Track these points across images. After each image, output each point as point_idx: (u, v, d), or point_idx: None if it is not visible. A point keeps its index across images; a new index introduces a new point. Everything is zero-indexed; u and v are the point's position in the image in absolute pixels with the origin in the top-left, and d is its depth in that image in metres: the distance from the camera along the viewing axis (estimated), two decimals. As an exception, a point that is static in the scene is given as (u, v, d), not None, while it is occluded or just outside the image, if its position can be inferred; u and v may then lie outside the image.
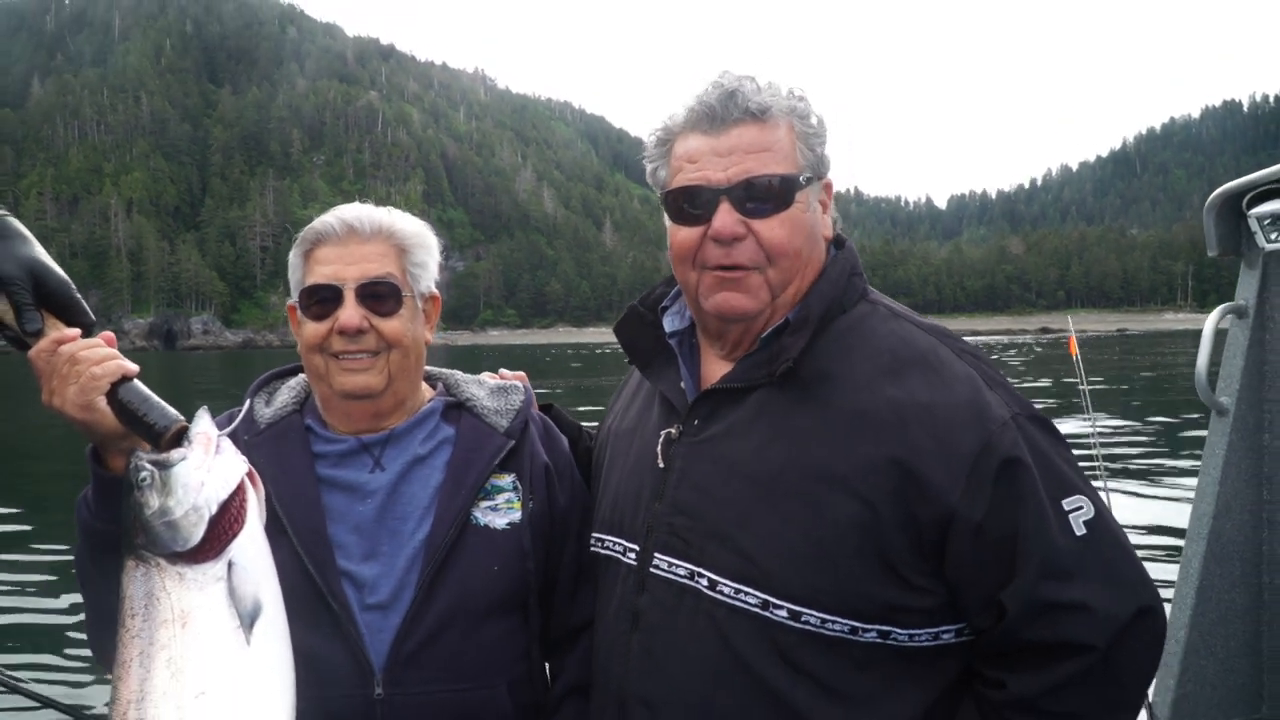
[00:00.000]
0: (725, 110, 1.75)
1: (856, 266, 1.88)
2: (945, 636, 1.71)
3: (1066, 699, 1.65)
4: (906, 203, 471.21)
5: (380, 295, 1.96)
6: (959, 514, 1.62)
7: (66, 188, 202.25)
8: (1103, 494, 3.09)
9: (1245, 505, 3.15)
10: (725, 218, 1.74)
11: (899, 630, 1.68)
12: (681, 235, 1.81)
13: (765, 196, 1.74)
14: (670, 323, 1.97)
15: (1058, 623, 1.63)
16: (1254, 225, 3.06)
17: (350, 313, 1.93)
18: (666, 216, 1.85)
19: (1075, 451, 1.73)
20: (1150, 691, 3.04)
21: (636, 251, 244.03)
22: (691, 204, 1.78)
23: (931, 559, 1.66)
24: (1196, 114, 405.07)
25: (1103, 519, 1.67)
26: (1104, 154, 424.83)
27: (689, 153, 1.79)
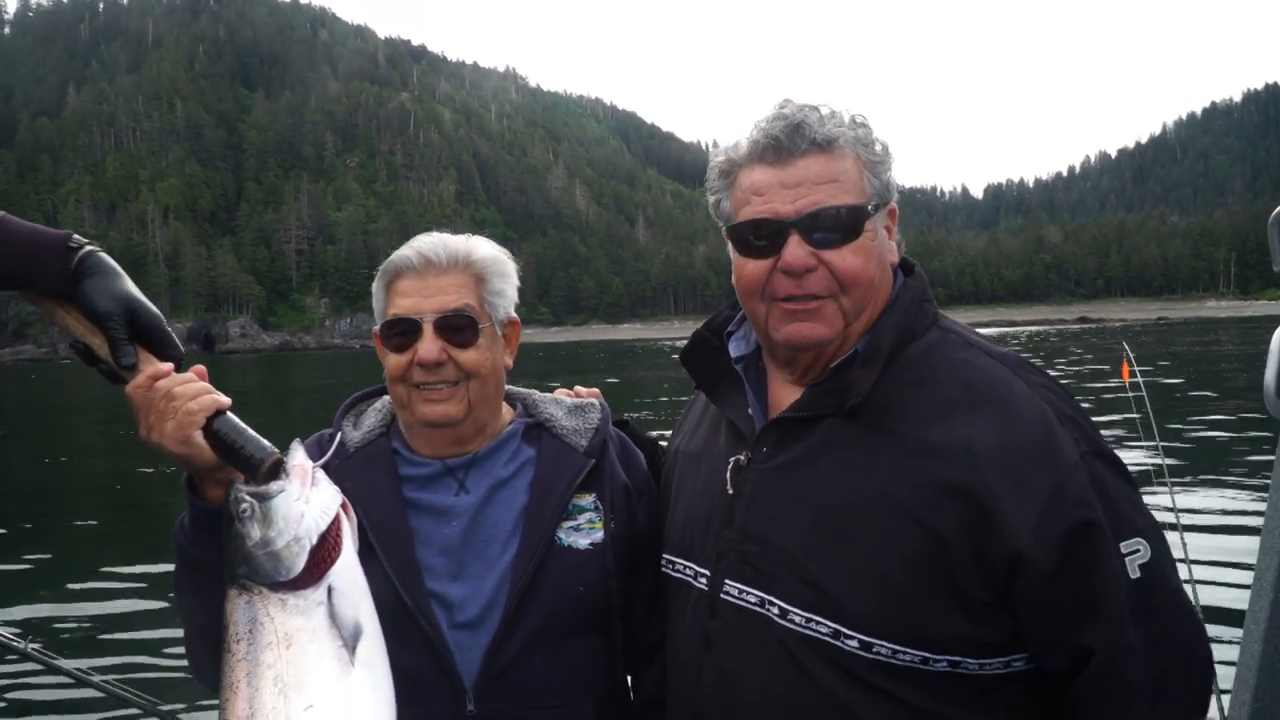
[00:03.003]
0: (792, 142, 1.75)
1: (926, 293, 1.87)
2: (1016, 664, 1.71)
3: None
4: (942, 193, 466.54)
5: (458, 327, 1.99)
6: (1027, 557, 1.61)
7: (104, 195, 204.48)
8: (1173, 521, 3.22)
9: None
10: (796, 250, 1.74)
11: (970, 660, 1.68)
12: (750, 268, 1.80)
13: (834, 227, 1.74)
14: (736, 348, 1.98)
15: (1114, 666, 1.63)
16: None
17: (429, 346, 1.97)
18: (732, 249, 1.84)
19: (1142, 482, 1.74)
20: (1226, 706, 3.05)
21: (669, 247, 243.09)
22: (759, 236, 1.78)
23: (999, 592, 1.65)
24: (1238, 98, 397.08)
25: (1158, 562, 1.67)
26: (1143, 140, 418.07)
27: (755, 185, 1.78)
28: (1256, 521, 3.27)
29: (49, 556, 12.69)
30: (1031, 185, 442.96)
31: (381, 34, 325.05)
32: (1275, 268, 3.03)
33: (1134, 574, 1.63)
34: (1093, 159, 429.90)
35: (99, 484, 19.58)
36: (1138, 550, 1.64)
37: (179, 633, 1.88)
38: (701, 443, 2.04)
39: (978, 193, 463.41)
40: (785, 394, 1.89)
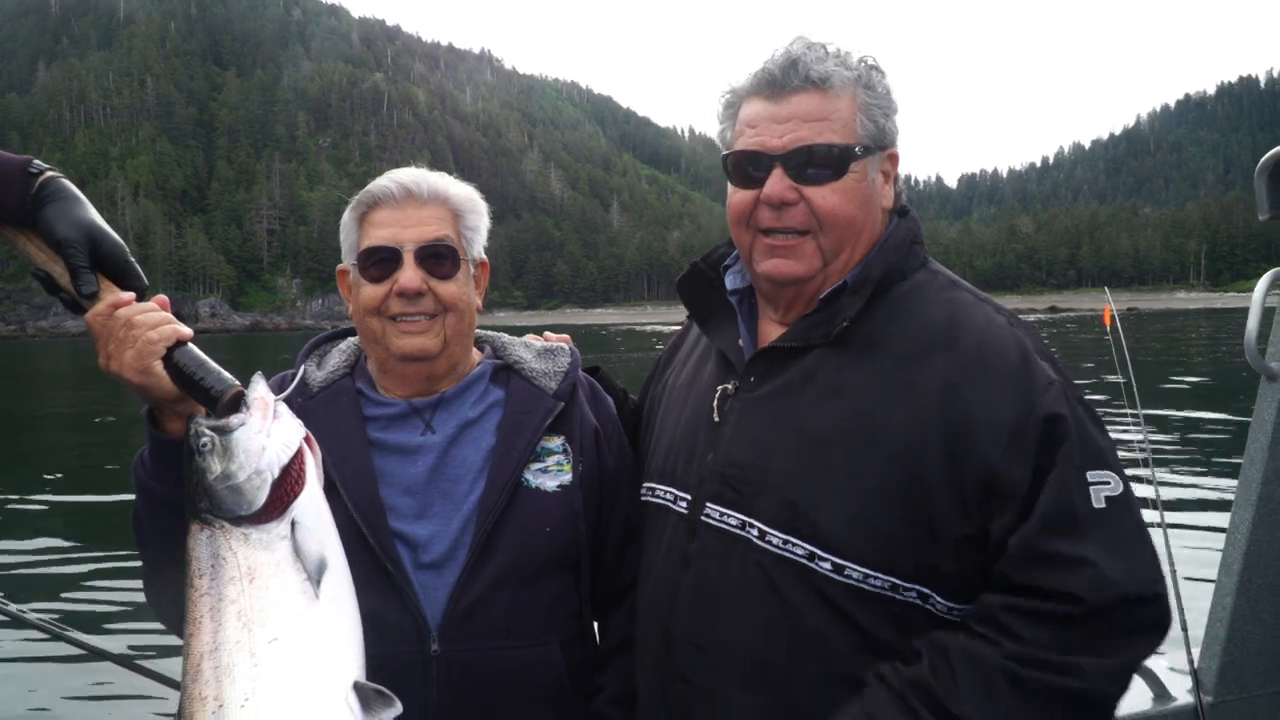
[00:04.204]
0: (786, 77, 1.78)
1: (918, 235, 1.90)
2: None
3: (1027, 627, 1.61)
4: (917, 182, 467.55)
5: (439, 256, 1.98)
6: (999, 473, 1.63)
7: (74, 172, 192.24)
8: (1148, 479, 3.26)
9: None
10: (777, 183, 1.78)
11: (938, 598, 1.70)
12: (738, 197, 1.85)
13: (819, 165, 1.77)
14: (732, 281, 2.00)
15: (1051, 572, 1.61)
16: None
17: (410, 274, 1.96)
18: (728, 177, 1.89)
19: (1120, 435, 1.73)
20: (1196, 658, 3.08)
21: (644, 232, 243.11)
22: (749, 168, 1.82)
23: (974, 521, 1.67)
24: (1212, 90, 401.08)
25: (1126, 500, 1.65)
26: (1117, 132, 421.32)
27: (750, 117, 1.82)
28: (1232, 483, 3.51)
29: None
30: (1005, 175, 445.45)
31: (355, 13, 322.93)
32: (1260, 217, 3.06)
33: (1098, 503, 1.62)
34: (1066, 150, 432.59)
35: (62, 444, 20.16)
36: (1107, 482, 1.64)
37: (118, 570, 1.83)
38: (691, 374, 2.07)
39: (951, 182, 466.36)
40: (774, 330, 1.93)
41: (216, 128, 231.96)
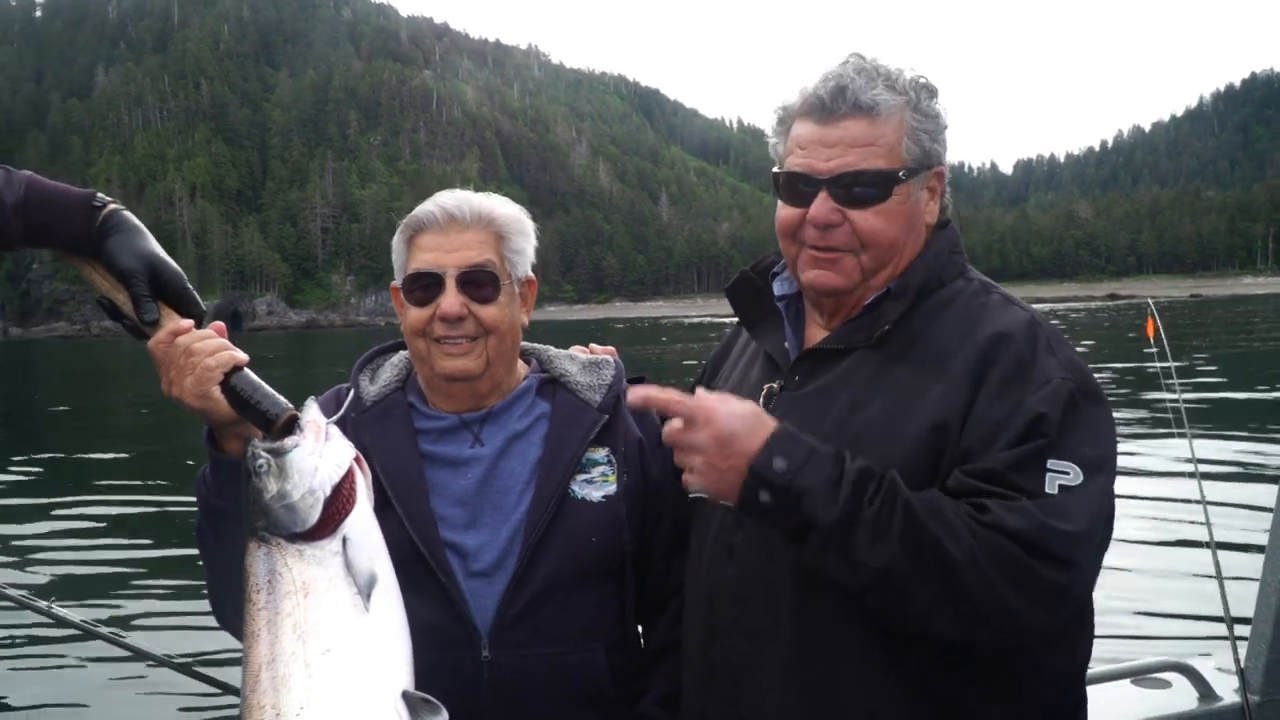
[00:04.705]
0: (834, 103, 1.83)
1: (957, 245, 1.97)
2: None
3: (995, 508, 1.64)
4: (970, 169, 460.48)
5: (479, 282, 2.04)
6: (971, 453, 1.71)
7: (133, 175, 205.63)
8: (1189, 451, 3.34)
9: None
10: (821, 206, 1.84)
11: None
12: (785, 213, 1.92)
13: (861, 190, 1.83)
14: (779, 287, 2.06)
15: (995, 487, 1.66)
16: None
17: (451, 300, 2.02)
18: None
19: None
20: (1243, 657, 3.05)
21: (693, 224, 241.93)
22: (798, 186, 1.88)
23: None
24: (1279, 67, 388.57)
25: (1084, 494, 1.66)
26: (1179, 113, 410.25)
27: (800, 137, 1.88)
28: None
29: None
30: (1062, 160, 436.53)
31: (404, 12, 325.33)
32: None
33: (1050, 489, 1.65)
34: (1125, 133, 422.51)
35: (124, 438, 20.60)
36: (1067, 473, 1.66)
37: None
38: (739, 376, 2.13)
39: (1007, 168, 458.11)
40: (819, 334, 2.00)
41: (270, 128, 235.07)
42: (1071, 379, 1.73)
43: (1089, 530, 1.67)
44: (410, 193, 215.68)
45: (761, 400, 1.96)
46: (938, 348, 1.82)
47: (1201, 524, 3.21)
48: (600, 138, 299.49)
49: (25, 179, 1.78)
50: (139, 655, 2.96)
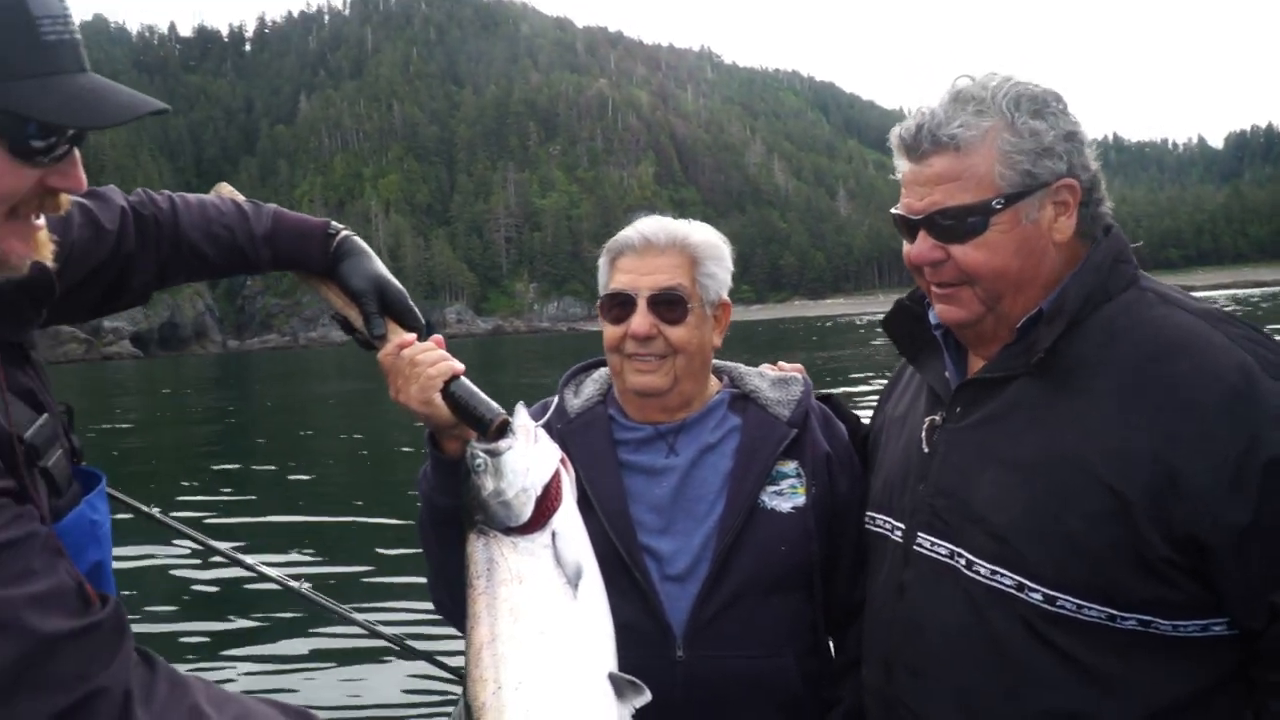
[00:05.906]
0: (917, 143, 1.81)
1: (1123, 253, 1.84)
2: (1216, 629, 1.66)
3: None
4: (1175, 145, 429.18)
5: (669, 303, 2.16)
6: (1220, 516, 1.57)
7: (333, 194, 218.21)
8: None
9: None
10: (921, 245, 1.84)
11: (1161, 621, 1.65)
12: (906, 249, 1.92)
13: (953, 226, 1.79)
14: (935, 316, 2.01)
15: None
16: None
17: (640, 320, 2.15)
18: None
19: None
20: None
21: (873, 219, 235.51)
22: (903, 227, 1.90)
23: (1189, 555, 1.61)
24: None
25: None
26: None
27: (903, 175, 1.88)
28: None
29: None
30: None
31: (580, 24, 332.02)
32: None
33: None
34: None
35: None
36: None
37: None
38: (905, 408, 2.13)
39: (1217, 142, 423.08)
40: (979, 362, 1.95)
41: (456, 143, 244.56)
42: None
43: None
44: (589, 199, 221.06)
45: (924, 433, 1.96)
46: (1113, 376, 1.71)
47: None
48: (775, 135, 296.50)
49: (271, 212, 1.98)
50: (373, 634, 3.24)
